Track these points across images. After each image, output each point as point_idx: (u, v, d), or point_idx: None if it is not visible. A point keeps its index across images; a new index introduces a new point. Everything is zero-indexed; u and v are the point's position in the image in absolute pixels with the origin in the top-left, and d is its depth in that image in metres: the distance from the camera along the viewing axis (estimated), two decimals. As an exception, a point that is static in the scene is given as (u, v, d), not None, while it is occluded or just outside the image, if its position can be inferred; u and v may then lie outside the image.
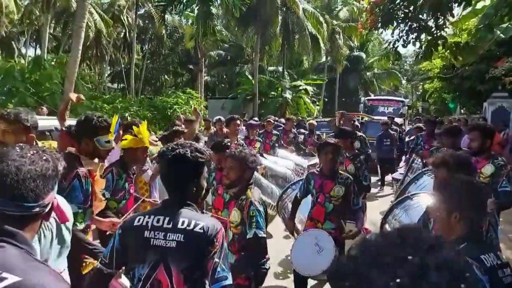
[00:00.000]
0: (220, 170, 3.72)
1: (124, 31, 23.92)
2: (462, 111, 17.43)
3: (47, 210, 1.11)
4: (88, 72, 24.55)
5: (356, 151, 5.01)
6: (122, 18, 22.42)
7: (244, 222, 2.64)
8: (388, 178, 9.49)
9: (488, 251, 1.62)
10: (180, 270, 1.66)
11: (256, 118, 9.75)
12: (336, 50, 25.39)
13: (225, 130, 6.62)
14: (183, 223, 1.69)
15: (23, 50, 27.66)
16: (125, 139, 3.12)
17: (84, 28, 11.71)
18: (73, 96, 4.16)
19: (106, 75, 27.84)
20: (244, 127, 8.45)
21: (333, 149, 3.51)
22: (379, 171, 10.39)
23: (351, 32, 24.76)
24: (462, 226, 1.65)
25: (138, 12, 22.02)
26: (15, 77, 12.52)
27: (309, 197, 3.76)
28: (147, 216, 1.74)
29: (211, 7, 15.99)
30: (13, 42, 25.93)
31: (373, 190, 9.67)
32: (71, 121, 4.26)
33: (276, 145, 7.76)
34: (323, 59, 28.45)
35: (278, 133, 8.28)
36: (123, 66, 26.39)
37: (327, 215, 3.53)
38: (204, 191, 1.95)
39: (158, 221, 1.71)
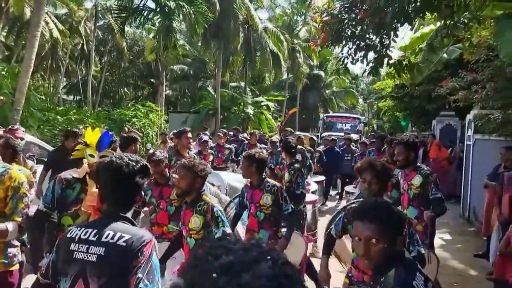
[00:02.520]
0: (157, 186, 3.67)
1: (81, 42, 23.25)
2: (413, 128, 18.39)
3: None
4: (42, 83, 23.51)
5: (294, 161, 5.20)
6: (80, 29, 21.80)
7: (206, 225, 2.85)
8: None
9: (413, 272, 1.61)
10: (99, 286, 1.58)
11: (222, 132, 9.86)
12: (297, 68, 26.14)
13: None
14: (107, 235, 1.62)
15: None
16: (78, 149, 3.00)
17: (39, 38, 11.33)
18: None
19: (62, 86, 26.78)
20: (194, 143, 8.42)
21: (250, 160, 3.61)
22: (339, 185, 10.72)
23: (310, 51, 25.62)
24: (386, 251, 1.60)
25: (97, 24, 21.54)
26: (-40, 87, 11.76)
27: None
28: (79, 228, 1.70)
29: (172, 22, 15.98)
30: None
31: (331, 204, 9.98)
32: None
33: (229, 159, 7.80)
34: (284, 76, 29.15)
35: (231, 147, 8.32)
36: (80, 77, 25.54)
37: (260, 224, 3.61)
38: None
39: (85, 233, 1.66)
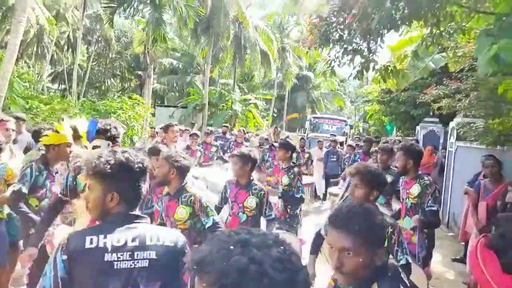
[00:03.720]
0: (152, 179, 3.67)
1: (68, 30, 22.79)
2: (398, 133, 18.66)
3: None
4: (26, 70, 22.97)
5: (292, 163, 5.14)
6: (67, 16, 21.37)
7: (193, 216, 2.95)
8: (330, 191, 9.94)
9: (397, 285, 1.53)
10: None
11: (211, 129, 9.82)
12: (286, 68, 26.20)
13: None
14: (151, 238, 1.53)
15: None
16: (46, 135, 3.03)
17: (24, 24, 11.04)
18: None
19: (47, 74, 26.22)
20: (187, 137, 8.39)
21: (244, 159, 3.56)
22: (323, 185, 10.83)
23: (301, 52, 25.72)
24: (362, 265, 1.46)
25: (86, 12, 21.11)
26: None
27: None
28: (101, 236, 1.48)
29: (163, 14, 15.81)
30: None
31: (315, 204, 10.07)
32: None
33: (215, 156, 7.78)
34: (274, 75, 29.21)
35: (217, 145, 8.31)
36: (65, 66, 25.04)
37: (241, 225, 3.55)
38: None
39: (118, 240, 1.48)
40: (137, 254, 1.50)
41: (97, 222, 1.66)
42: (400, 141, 11.89)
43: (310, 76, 32.48)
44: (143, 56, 22.67)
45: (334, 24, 4.10)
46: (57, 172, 3.25)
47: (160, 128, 7.03)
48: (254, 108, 23.13)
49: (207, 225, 2.91)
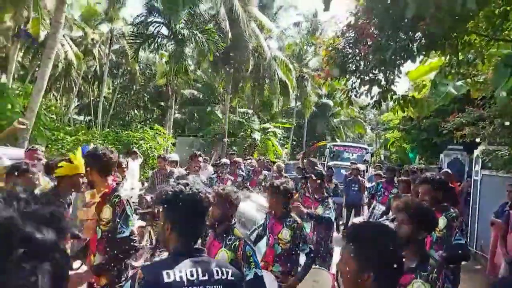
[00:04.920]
0: None
1: (95, 64, 23.86)
2: (421, 161, 18.24)
3: None
4: (54, 102, 24.01)
5: (326, 194, 4.93)
6: (94, 51, 22.45)
7: (235, 263, 2.55)
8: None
9: None
10: None
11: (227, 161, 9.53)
12: (305, 96, 26.40)
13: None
14: (217, 272, 1.60)
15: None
16: (61, 167, 3.08)
17: (53, 59, 11.65)
18: (18, 124, 4.21)
19: (73, 106, 27.30)
20: (209, 166, 8.44)
21: (275, 191, 3.48)
22: (344, 215, 10.55)
23: (318, 80, 25.93)
24: None
25: (112, 47, 22.16)
26: (-27, 104, 12.05)
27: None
28: (176, 270, 1.54)
29: (184, 48, 16.40)
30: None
31: (335, 234, 9.81)
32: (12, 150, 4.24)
33: (241, 186, 7.73)
34: (292, 104, 29.42)
35: (243, 174, 8.29)
36: (91, 99, 26.05)
37: (276, 257, 3.48)
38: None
39: (191, 274, 1.55)
40: None
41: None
42: (425, 170, 11.59)
43: (329, 103, 32.54)
44: (165, 88, 23.38)
45: (350, 56, 4.14)
46: (70, 203, 3.27)
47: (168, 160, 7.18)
48: (273, 137, 23.20)
49: (247, 278, 2.53)
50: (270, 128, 23.47)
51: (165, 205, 1.63)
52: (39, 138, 11.55)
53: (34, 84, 12.11)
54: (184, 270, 1.54)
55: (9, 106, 12.98)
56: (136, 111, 29.52)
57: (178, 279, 1.52)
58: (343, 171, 14.30)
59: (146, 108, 29.36)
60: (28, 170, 3.17)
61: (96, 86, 25.77)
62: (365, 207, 10.30)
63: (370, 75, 4.25)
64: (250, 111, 26.32)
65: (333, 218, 4.59)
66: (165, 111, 23.89)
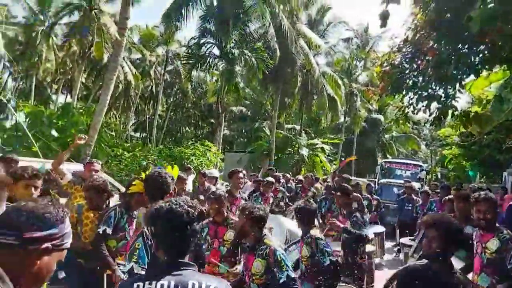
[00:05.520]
0: (213, 224, 3.70)
1: (151, 84, 25.25)
2: (482, 179, 17.04)
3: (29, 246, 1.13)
4: (113, 120, 25.62)
5: (354, 209, 4.87)
6: (151, 72, 23.80)
7: (269, 270, 2.78)
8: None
9: None
10: None
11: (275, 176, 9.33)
12: (354, 112, 25.89)
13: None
14: (193, 285, 1.55)
15: (55, 97, 29.30)
16: (134, 185, 3.25)
17: (114, 80, 12.47)
18: (80, 140, 4.53)
19: (131, 124, 28.94)
20: (249, 182, 8.41)
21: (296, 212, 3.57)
22: (397, 236, 10.08)
23: (369, 96, 25.35)
24: None
25: (167, 68, 23.35)
26: (42, 122, 13.21)
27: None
28: (147, 282, 1.57)
29: (235, 66, 16.87)
30: (47, 89, 27.65)
31: (388, 256, 9.36)
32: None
33: (282, 203, 7.64)
34: (341, 119, 28.95)
35: (284, 190, 8.21)
36: (147, 116, 27.48)
37: (303, 275, 3.53)
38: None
39: (162, 286, 1.54)
40: None
41: None
42: (487, 189, 10.80)
43: (380, 119, 31.60)
44: (215, 105, 24.11)
45: (407, 71, 4.03)
46: (135, 217, 3.47)
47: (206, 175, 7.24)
48: (321, 153, 22.87)
49: (281, 280, 2.72)
50: (318, 144, 23.17)
51: (149, 223, 1.71)
52: (100, 154, 12.33)
53: (97, 103, 13.03)
54: (155, 282, 1.55)
55: (74, 125, 14.08)
56: (187, 128, 30.64)
57: None
58: (395, 190, 13.71)
59: (196, 125, 30.39)
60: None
61: (152, 105, 27.20)
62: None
63: (429, 90, 4.10)
64: (298, 127, 26.26)
65: (364, 233, 4.48)
66: (215, 127, 24.56)
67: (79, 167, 5.54)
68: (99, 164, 4.91)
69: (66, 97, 29.38)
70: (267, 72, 17.40)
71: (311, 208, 3.59)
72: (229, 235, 3.57)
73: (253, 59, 16.00)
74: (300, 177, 12.02)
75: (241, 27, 17.41)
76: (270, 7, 17.27)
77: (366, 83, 26.78)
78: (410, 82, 4.13)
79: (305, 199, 4.05)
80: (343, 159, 30.66)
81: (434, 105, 4.50)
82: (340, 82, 22.50)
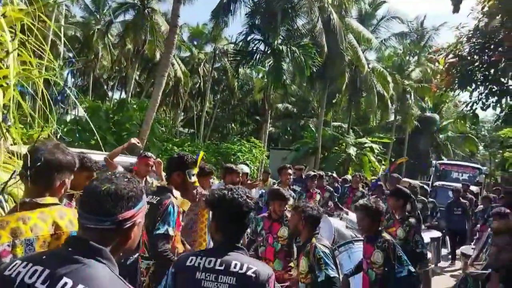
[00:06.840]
0: (269, 219, 3.65)
1: (199, 81, 25.80)
2: (551, 185, 15.55)
3: (123, 226, 1.17)
4: (163, 116, 26.53)
5: (406, 213, 4.45)
6: (199, 70, 24.31)
7: (312, 269, 2.76)
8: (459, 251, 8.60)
9: None
10: None
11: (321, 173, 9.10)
12: (406, 110, 24.73)
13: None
14: (235, 265, 1.70)
15: (110, 94, 30.91)
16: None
17: (166, 77, 12.88)
18: (134, 140, 4.67)
19: (179, 120, 29.80)
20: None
21: (364, 211, 3.19)
22: (448, 243, 9.46)
23: (424, 93, 24.08)
24: None
25: (214, 66, 23.72)
26: (100, 116, 13.95)
27: None
28: (199, 257, 1.77)
29: (282, 63, 16.72)
30: (104, 86, 29.23)
31: (443, 264, 8.79)
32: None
33: (330, 202, 7.39)
34: (392, 118, 27.76)
35: (331, 189, 7.94)
36: (195, 113, 28.16)
37: (371, 285, 3.18)
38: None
39: (209, 262, 1.72)
40: (221, 277, 1.68)
41: None
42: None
43: (434, 117, 29.88)
44: (261, 102, 24.14)
45: (477, 63, 3.67)
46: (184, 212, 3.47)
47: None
48: (370, 152, 22.08)
49: (319, 279, 2.69)
50: (366, 143, 22.41)
51: (211, 207, 1.89)
52: (152, 148, 12.78)
53: (149, 99, 13.53)
54: (205, 258, 1.73)
55: (129, 119, 14.72)
56: (233, 125, 31.02)
57: (196, 264, 1.73)
58: (450, 193, 12.90)
59: (242, 122, 30.65)
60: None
61: (199, 101, 27.82)
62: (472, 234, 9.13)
63: (502, 85, 3.72)
64: (345, 125, 25.58)
65: (423, 248, 4.23)
66: (260, 124, 24.61)
67: (129, 159, 5.71)
68: (153, 158, 4.99)
69: (120, 93, 30.88)
70: (314, 69, 17.07)
71: (378, 207, 3.24)
72: (283, 231, 3.50)
73: (301, 56, 15.75)
74: (348, 176, 11.66)
75: (289, 23, 17.20)
76: (318, 2, 16.91)
77: (420, 79, 25.46)
78: (480, 76, 3.77)
79: (374, 197, 3.78)
80: (393, 159, 29.43)
81: (505, 101, 4.10)
82: (389, 78, 21.57)
